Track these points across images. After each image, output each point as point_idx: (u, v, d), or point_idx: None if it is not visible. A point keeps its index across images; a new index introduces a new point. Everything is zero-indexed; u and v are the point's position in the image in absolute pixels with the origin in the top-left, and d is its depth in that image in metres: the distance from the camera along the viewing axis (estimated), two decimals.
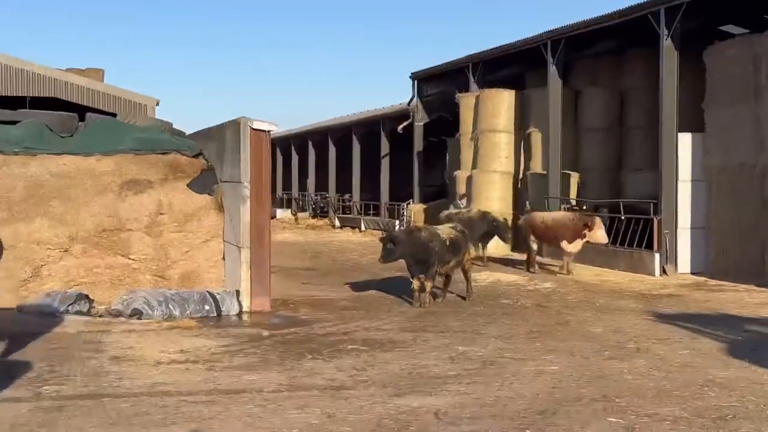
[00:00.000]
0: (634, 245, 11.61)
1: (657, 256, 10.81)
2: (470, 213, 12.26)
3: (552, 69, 14.13)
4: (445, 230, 8.48)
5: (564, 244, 10.29)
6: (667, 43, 10.81)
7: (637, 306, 9.21)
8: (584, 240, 10.23)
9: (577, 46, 14.75)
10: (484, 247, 11.88)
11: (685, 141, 11.26)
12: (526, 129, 15.67)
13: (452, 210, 12.81)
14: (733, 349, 6.65)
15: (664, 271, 10.68)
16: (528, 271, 10.89)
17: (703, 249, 10.90)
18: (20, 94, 14.50)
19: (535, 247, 10.93)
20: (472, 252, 10.07)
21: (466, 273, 8.49)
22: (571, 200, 13.81)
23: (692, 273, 11.13)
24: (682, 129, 11.43)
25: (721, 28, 13.04)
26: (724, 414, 4.34)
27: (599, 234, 10.09)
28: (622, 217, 11.84)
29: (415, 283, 7.52)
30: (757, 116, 9.98)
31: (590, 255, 11.53)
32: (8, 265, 7.30)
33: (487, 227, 11.61)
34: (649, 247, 11.19)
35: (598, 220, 10.41)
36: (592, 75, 15.75)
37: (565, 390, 5.32)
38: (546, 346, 7.04)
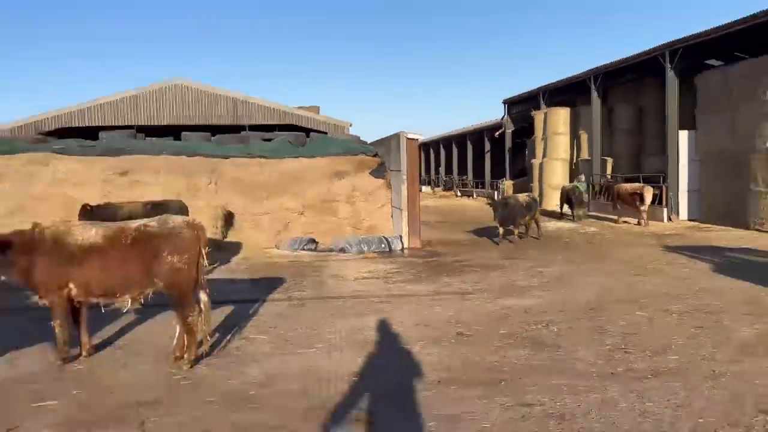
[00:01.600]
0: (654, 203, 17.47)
1: (665, 209, 15.32)
2: (567, 187, 16.58)
3: (594, 94, 20.30)
4: (522, 197, 11.60)
5: (639, 205, 14.43)
6: (670, 74, 15.47)
7: (653, 242, 12.03)
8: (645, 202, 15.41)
9: (610, 77, 20.32)
10: (570, 207, 15.63)
11: (683, 136, 15.67)
12: (577, 132, 22.18)
13: (572, 183, 17.89)
14: (718, 268, 8.75)
15: (670, 219, 14.59)
16: (574, 222, 14.85)
17: (696, 204, 14.69)
18: (273, 123, 20.58)
19: (618, 207, 14.87)
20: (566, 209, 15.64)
21: (537, 223, 11.81)
22: (608, 176, 18.52)
23: (689, 220, 15.06)
24: (681, 128, 15.78)
25: (706, 62, 17.37)
26: (711, 309, 6.21)
27: (648, 197, 14.08)
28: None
29: (501, 230, 10.76)
30: (731, 119, 13.64)
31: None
32: (269, 223, 10.92)
33: (569, 195, 16.08)
34: (660, 203, 15.51)
35: (649, 188, 14.24)
36: (621, 95, 21.36)
37: (606, 295, 7.27)
38: (593, 267, 9.45)
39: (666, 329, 5.85)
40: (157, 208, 7.77)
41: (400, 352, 5.00)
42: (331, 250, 10.70)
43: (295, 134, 15.51)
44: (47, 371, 4.08)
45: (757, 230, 11.83)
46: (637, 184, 15.07)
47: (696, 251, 10.37)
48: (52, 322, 3.88)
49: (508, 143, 28.58)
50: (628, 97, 21.48)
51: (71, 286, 3.99)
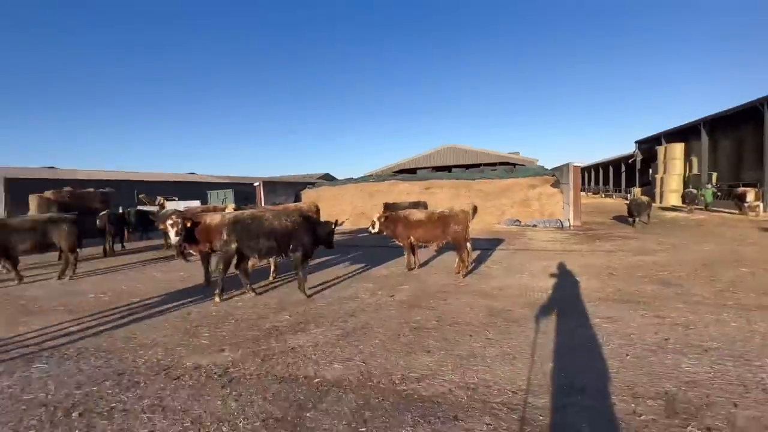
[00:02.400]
0: None
1: (761, 205, 16.61)
2: (687, 190, 20.16)
3: (703, 134, 23.81)
4: (644, 198, 14.46)
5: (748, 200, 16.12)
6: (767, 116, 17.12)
7: (750, 226, 13.25)
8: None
9: (717, 122, 22.74)
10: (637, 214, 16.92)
11: None
12: (689, 156, 25.60)
13: (691, 190, 20.83)
14: None
15: (765, 211, 16.27)
16: (688, 213, 17.90)
17: None
18: (495, 162, 29.34)
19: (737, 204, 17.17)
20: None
21: (648, 215, 14.37)
22: (714, 185, 20.93)
23: None
24: None
25: None
26: None
27: (750, 197, 16.61)
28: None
29: (631, 219, 14.10)
30: None
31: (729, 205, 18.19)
32: (493, 212, 16.46)
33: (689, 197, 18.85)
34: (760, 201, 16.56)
35: (752, 189, 16.57)
36: (722, 132, 23.11)
37: (714, 257, 7.91)
38: (703, 240, 10.26)
39: (765, 279, 6.08)
40: (414, 204, 12.87)
41: (573, 281, 6.35)
42: (527, 225, 15.21)
43: (508, 167, 23.23)
44: (400, 274, 7.45)
45: None
46: (741, 188, 17.89)
47: None
48: (404, 252, 7.96)
49: (638, 165, 34.10)
50: (728, 134, 22.99)
51: (411, 237, 7.49)
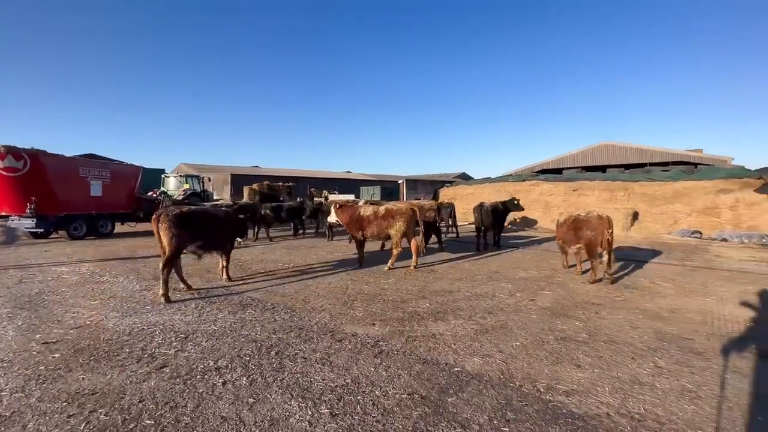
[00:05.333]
0: None
1: None
2: None
3: None
4: None
5: None
6: None
7: None
8: None
9: None
10: None
11: None
12: None
13: None
14: None
15: None
16: None
17: None
18: (667, 161, 23.84)
19: None
20: None
21: None
22: None
23: None
24: None
25: None
26: None
27: None
28: None
29: None
30: None
31: None
32: (663, 219, 13.57)
33: None
34: None
35: None
36: None
37: None
38: None
39: None
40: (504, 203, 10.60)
41: None
42: (713, 239, 11.94)
43: (686, 166, 18.46)
44: (541, 278, 6.77)
45: None
46: None
47: None
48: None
49: None
50: None
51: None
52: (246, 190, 17.20)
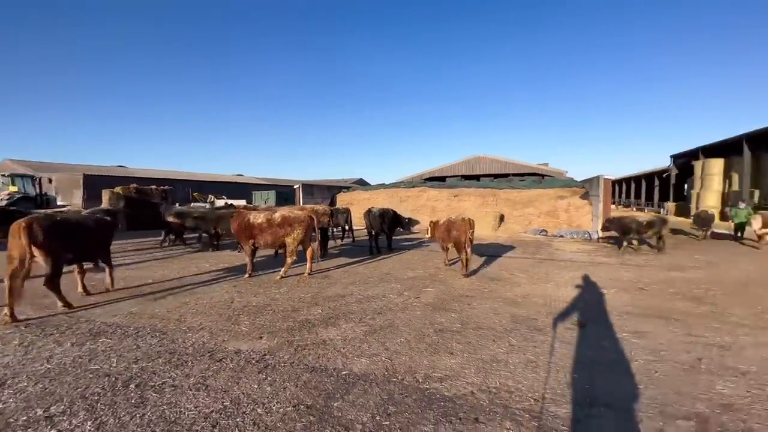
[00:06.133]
0: None
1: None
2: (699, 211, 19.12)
3: (746, 149, 21.61)
4: (709, 211, 13.54)
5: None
6: None
7: None
8: None
9: (761, 138, 20.43)
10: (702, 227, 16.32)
11: None
12: (729, 173, 22.80)
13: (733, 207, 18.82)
14: None
15: None
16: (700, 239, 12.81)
17: None
18: (524, 172, 28.38)
19: None
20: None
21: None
22: (754, 201, 18.64)
23: None
24: None
25: None
26: None
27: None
28: None
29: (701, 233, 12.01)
30: None
31: None
32: (521, 221, 15.85)
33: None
34: None
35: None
36: (767, 147, 20.03)
37: (754, 277, 9.69)
38: (741, 258, 10.30)
39: None
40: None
41: (599, 293, 5.98)
42: (554, 236, 14.51)
43: (536, 177, 22.56)
44: (427, 276, 7.37)
45: None
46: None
47: None
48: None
49: (673, 180, 31.69)
50: None
51: (439, 239, 8.16)
52: (106, 194, 14.32)
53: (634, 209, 40.67)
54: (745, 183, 22.62)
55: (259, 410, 2.68)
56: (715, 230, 12.65)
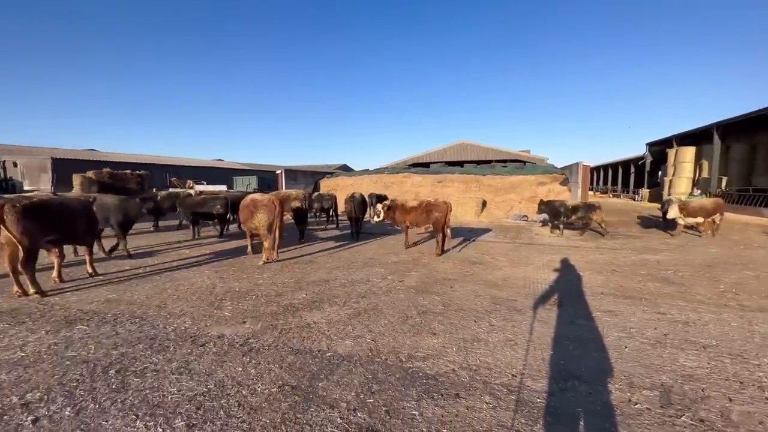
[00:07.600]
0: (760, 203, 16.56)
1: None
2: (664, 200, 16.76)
3: (716, 137, 22.29)
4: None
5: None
6: None
7: (760, 230, 12.58)
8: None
9: (730, 127, 21.49)
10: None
11: None
12: (700, 159, 23.96)
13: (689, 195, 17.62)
14: None
15: None
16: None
17: None
18: (506, 159, 28.99)
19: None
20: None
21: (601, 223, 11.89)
22: (723, 189, 20.10)
23: None
24: None
25: None
26: None
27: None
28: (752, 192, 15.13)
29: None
30: None
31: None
32: (503, 206, 16.02)
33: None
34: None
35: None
36: (736, 137, 22.24)
37: (719, 259, 10.07)
38: (709, 242, 10.67)
39: None
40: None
41: (576, 275, 6.20)
42: (535, 221, 14.83)
43: (518, 164, 23.09)
44: (410, 261, 7.44)
45: None
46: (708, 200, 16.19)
47: None
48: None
49: (648, 167, 32.58)
50: (741, 138, 21.79)
51: (408, 222, 8.10)
52: (77, 179, 13.71)
53: (610, 195, 41.64)
54: (714, 170, 23.30)
55: (243, 392, 2.68)
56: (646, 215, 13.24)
